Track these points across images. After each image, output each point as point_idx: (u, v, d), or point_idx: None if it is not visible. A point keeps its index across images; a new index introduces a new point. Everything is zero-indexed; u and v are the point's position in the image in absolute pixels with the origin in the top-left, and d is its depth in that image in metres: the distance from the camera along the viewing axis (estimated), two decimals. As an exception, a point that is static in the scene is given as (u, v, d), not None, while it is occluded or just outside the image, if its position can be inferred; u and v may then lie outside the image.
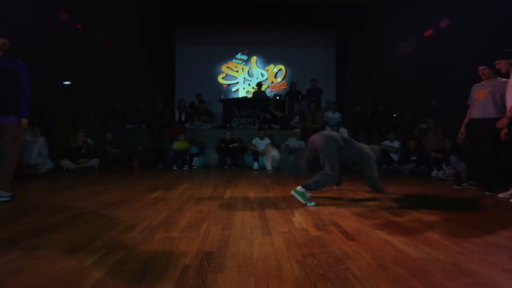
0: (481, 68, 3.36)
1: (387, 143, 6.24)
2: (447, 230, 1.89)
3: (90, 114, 7.30)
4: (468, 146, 3.56)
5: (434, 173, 5.14)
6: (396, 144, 6.15)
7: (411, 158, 5.59)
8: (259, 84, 8.21)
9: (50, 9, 6.02)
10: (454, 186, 3.75)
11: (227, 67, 9.53)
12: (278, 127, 7.12)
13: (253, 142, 6.26)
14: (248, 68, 9.55)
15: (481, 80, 3.46)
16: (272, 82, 9.52)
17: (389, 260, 1.38)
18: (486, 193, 3.26)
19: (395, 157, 6.08)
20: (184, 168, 5.81)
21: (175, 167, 5.81)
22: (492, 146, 3.23)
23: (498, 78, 3.31)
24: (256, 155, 6.11)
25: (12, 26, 5.18)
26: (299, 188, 2.62)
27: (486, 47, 5.02)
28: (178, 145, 6.00)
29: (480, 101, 3.36)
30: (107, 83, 7.84)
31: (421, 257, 1.42)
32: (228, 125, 7.08)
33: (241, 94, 9.36)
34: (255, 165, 6.02)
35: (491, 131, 3.14)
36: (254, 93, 8.36)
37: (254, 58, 9.52)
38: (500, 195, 2.96)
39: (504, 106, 3.14)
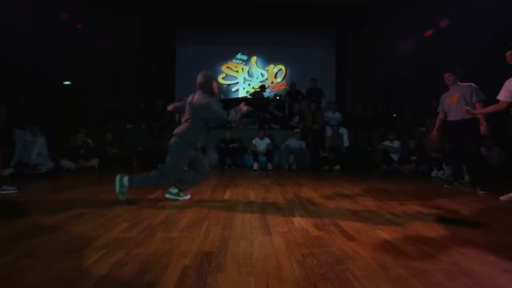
0: (446, 75, 3.74)
1: (387, 143, 6.25)
2: (447, 230, 1.89)
3: (90, 114, 7.29)
4: (449, 147, 3.89)
5: (434, 173, 5.15)
6: (396, 144, 6.16)
7: (411, 158, 5.60)
8: (263, 87, 8.28)
9: (50, 9, 6.02)
10: (446, 186, 3.89)
11: (227, 67, 9.53)
12: (278, 127, 7.12)
13: (253, 142, 6.26)
14: (248, 68, 9.55)
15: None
16: (272, 82, 9.51)
17: (389, 260, 1.38)
18: (480, 192, 3.33)
19: (395, 157, 6.09)
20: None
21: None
22: (475, 145, 3.50)
23: (460, 83, 3.70)
24: (256, 155, 6.12)
25: (12, 26, 5.22)
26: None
27: (486, 47, 5.02)
28: (178, 145, 5.99)
29: (453, 106, 3.67)
30: (107, 83, 7.83)
31: (421, 257, 1.42)
32: (228, 125, 7.08)
33: (241, 94, 9.35)
34: (255, 165, 6.03)
35: (470, 131, 3.45)
36: (253, 93, 8.37)
37: (254, 58, 9.52)
38: (503, 198, 2.95)
39: (473, 105, 3.47)
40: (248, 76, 9.54)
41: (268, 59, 9.53)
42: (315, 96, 7.78)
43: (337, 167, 6.10)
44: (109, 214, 2.15)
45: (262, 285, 1.13)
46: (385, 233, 1.78)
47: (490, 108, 3.23)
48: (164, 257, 1.38)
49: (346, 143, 6.85)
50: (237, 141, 6.38)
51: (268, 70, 9.53)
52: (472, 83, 3.57)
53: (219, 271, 1.24)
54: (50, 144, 5.14)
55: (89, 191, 3.22)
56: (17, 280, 1.16)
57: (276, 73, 9.53)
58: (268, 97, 8.51)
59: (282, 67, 9.49)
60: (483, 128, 3.40)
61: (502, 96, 3.06)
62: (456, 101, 3.65)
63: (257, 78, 9.45)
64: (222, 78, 9.52)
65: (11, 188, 2.95)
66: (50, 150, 5.09)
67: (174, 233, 1.75)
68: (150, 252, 1.44)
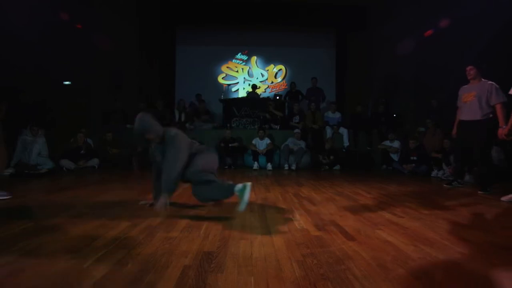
0: (468, 68, 3.47)
1: (387, 143, 6.25)
2: (447, 230, 1.89)
3: (90, 114, 7.29)
4: (457, 146, 3.74)
5: (434, 173, 5.14)
6: (396, 144, 6.16)
7: (411, 158, 5.60)
8: (254, 86, 8.26)
9: (50, 9, 6.02)
10: (445, 186, 3.85)
11: (227, 67, 9.53)
12: (278, 127, 7.12)
13: (253, 142, 6.26)
14: (248, 68, 9.55)
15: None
16: (272, 82, 9.52)
17: (389, 260, 1.38)
18: (479, 192, 3.33)
19: (395, 157, 6.09)
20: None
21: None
22: (483, 148, 3.34)
23: (483, 79, 3.42)
24: (256, 155, 6.12)
25: (12, 26, 5.21)
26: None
27: (486, 47, 5.02)
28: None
29: (467, 104, 3.49)
30: (107, 83, 7.84)
31: (421, 257, 1.42)
32: (228, 124, 7.08)
33: (241, 94, 9.35)
34: (255, 165, 6.03)
35: (479, 133, 3.30)
36: (248, 93, 8.37)
37: (254, 58, 9.53)
38: (504, 199, 2.92)
39: (489, 107, 3.29)
40: (248, 76, 9.54)
41: (268, 59, 9.54)
42: (315, 96, 7.79)
43: (337, 167, 6.10)
44: (109, 214, 2.15)
45: (262, 285, 1.13)
46: (385, 233, 1.78)
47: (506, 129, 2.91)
48: (164, 257, 1.38)
49: (346, 143, 6.86)
50: (237, 141, 6.38)
51: (268, 70, 9.53)
52: (493, 82, 3.31)
53: (219, 271, 1.24)
54: (50, 144, 5.14)
55: (89, 191, 3.22)
56: (17, 280, 1.16)
57: (276, 73, 9.54)
58: (268, 97, 8.51)
59: (282, 67, 9.50)
60: (501, 130, 3.01)
61: None
62: (470, 101, 3.42)
63: (257, 78, 9.46)
64: (222, 78, 9.53)
65: (4, 193, 2.69)
66: (50, 150, 5.09)
67: (174, 233, 1.75)
68: (150, 252, 1.44)
